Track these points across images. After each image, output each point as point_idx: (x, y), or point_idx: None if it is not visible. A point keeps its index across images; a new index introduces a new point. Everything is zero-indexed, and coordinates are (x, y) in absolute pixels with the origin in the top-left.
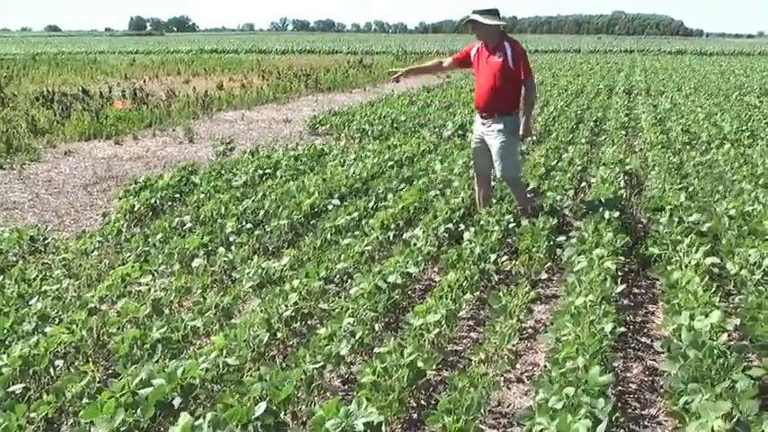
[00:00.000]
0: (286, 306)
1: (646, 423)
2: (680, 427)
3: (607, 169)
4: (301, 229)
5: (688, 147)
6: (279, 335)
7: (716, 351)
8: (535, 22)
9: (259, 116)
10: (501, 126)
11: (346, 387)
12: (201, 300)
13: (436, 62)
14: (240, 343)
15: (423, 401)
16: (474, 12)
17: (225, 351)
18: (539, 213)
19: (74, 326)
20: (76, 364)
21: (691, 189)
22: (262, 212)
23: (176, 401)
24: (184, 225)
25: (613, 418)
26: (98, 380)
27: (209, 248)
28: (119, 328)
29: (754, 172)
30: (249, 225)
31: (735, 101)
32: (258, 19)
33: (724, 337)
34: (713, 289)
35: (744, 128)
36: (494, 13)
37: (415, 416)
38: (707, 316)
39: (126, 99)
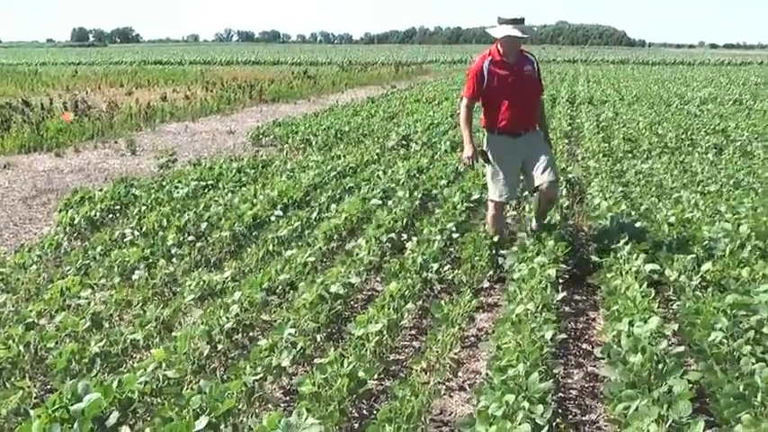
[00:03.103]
0: (227, 318)
1: (586, 429)
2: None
3: None
4: (244, 241)
5: (629, 155)
6: (220, 347)
7: (654, 356)
8: (479, 32)
9: (203, 127)
10: (542, 137)
11: (288, 398)
12: (142, 313)
13: (467, 114)
14: (180, 355)
15: (365, 411)
16: (504, 21)
17: (164, 364)
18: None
19: (10, 341)
20: (13, 380)
21: (632, 196)
22: (204, 224)
23: (114, 416)
24: (125, 238)
25: (554, 424)
26: (35, 396)
27: (151, 261)
28: (57, 343)
29: (694, 179)
30: (191, 237)
31: (676, 110)
32: (203, 30)
33: (663, 342)
34: (652, 295)
35: (684, 136)
36: (522, 21)
37: (357, 426)
38: (646, 322)
39: (68, 111)
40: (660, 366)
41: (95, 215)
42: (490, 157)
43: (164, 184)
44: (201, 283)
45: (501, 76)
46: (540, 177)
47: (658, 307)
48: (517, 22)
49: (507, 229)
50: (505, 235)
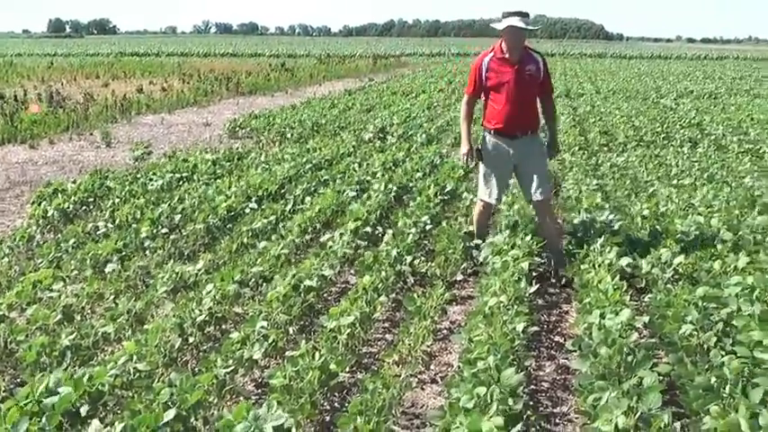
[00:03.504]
0: (200, 310)
1: (557, 421)
2: (588, 424)
3: None
4: (218, 233)
5: (605, 148)
6: (192, 339)
7: (625, 349)
8: (458, 25)
9: (179, 120)
10: (542, 143)
11: (260, 391)
12: (114, 305)
13: (466, 111)
14: (151, 348)
15: (336, 404)
16: (508, 14)
17: (135, 357)
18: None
19: None
20: None
21: (607, 189)
22: (178, 217)
23: (84, 409)
24: (98, 230)
25: (524, 416)
26: (4, 389)
27: (124, 253)
28: (27, 336)
29: (668, 173)
30: (165, 229)
31: (652, 103)
32: (181, 22)
33: (634, 334)
34: (624, 288)
35: (659, 130)
36: (526, 15)
37: (328, 418)
38: (617, 314)
39: (41, 102)
40: (630, 359)
41: (69, 207)
42: (484, 156)
43: (138, 176)
44: (174, 275)
45: (500, 73)
46: (529, 195)
47: (630, 299)
48: (522, 14)
49: (490, 228)
50: (487, 233)
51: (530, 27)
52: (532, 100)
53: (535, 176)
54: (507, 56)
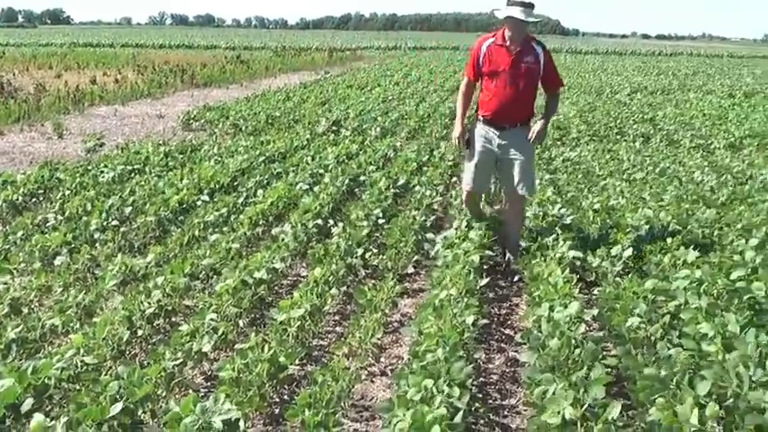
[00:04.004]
0: (149, 303)
1: (505, 413)
2: (536, 415)
3: None
4: (169, 226)
5: (559, 143)
6: (140, 332)
7: (573, 341)
8: (415, 19)
9: (132, 111)
10: (527, 136)
11: (209, 384)
12: (62, 298)
13: (464, 92)
14: (99, 341)
15: (286, 396)
16: (511, 2)
17: (83, 350)
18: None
19: None
20: None
21: (559, 183)
22: (129, 209)
23: (28, 402)
24: (47, 222)
25: (472, 408)
26: None
27: (73, 246)
28: None
29: (621, 167)
30: (115, 222)
31: (606, 98)
32: (136, 13)
33: (582, 327)
34: (574, 281)
35: (613, 125)
36: (531, 6)
37: (277, 411)
38: (566, 307)
39: None
40: (578, 351)
41: (18, 199)
42: (471, 142)
43: (89, 168)
44: (124, 268)
45: (496, 61)
46: (511, 190)
47: (580, 292)
48: (525, 5)
49: (483, 209)
50: (484, 213)
51: (531, 19)
52: (528, 92)
53: (518, 170)
54: (507, 43)
